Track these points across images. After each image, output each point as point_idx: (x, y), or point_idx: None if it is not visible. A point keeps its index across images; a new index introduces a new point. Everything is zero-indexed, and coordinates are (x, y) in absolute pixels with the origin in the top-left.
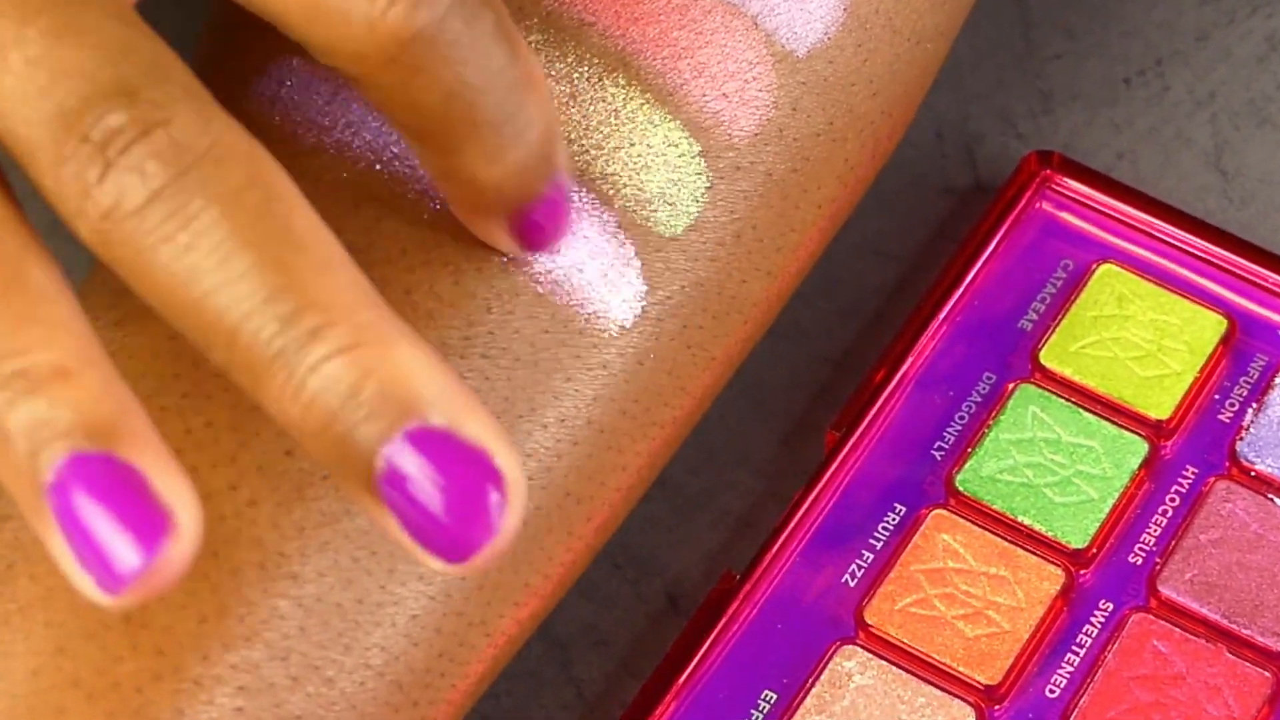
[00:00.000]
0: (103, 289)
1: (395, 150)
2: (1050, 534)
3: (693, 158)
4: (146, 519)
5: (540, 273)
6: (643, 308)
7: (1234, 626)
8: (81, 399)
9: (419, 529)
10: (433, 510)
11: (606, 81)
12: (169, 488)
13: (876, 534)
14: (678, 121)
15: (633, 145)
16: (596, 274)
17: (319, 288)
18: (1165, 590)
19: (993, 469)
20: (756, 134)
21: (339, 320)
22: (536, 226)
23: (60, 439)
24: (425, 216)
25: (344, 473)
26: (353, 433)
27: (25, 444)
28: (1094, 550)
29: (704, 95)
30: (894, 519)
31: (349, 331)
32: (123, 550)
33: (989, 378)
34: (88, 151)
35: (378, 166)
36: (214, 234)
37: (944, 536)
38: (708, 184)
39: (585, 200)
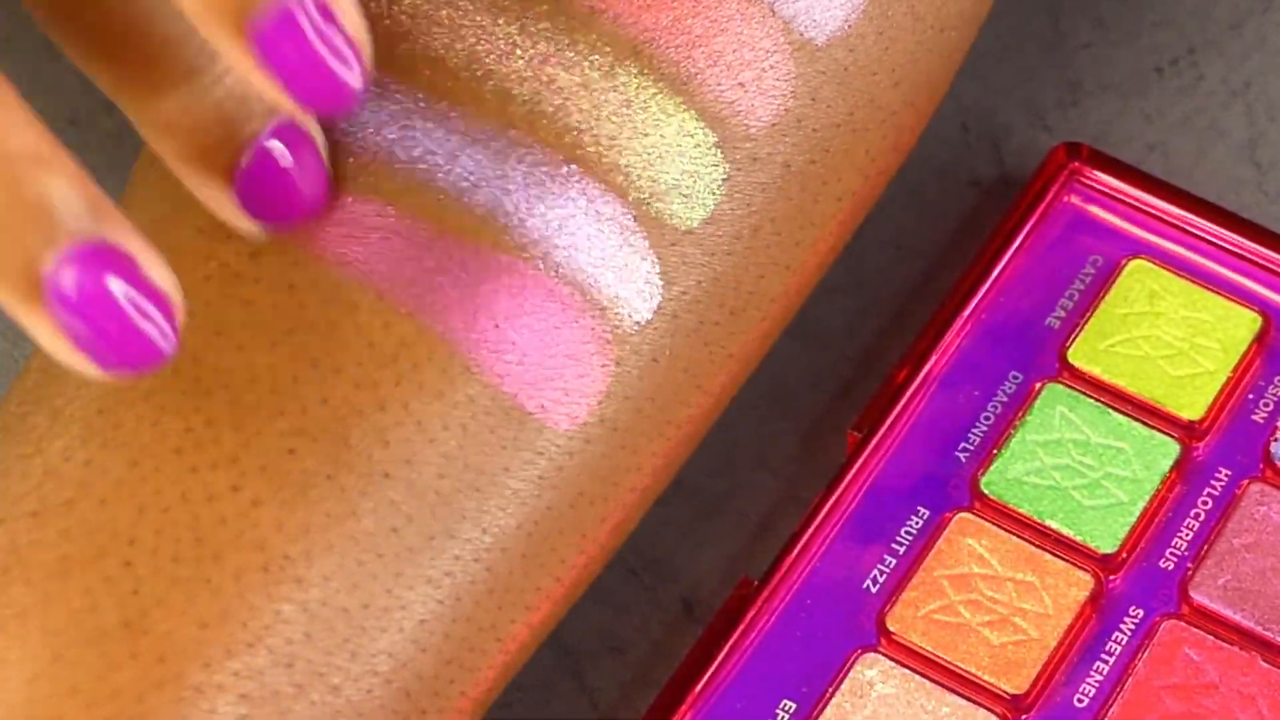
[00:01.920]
0: None
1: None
2: (1079, 538)
3: (708, 149)
4: (152, 300)
5: (552, 266)
6: (658, 303)
7: (1268, 634)
8: (75, 183)
9: (281, 73)
10: (297, 63)
11: (619, 71)
12: (160, 271)
13: (899, 538)
14: (693, 112)
15: (646, 136)
16: (610, 268)
17: None
18: (1197, 596)
19: (1019, 471)
20: (774, 124)
21: None
22: (286, 64)
23: (57, 227)
24: None
25: (214, 11)
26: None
27: (18, 232)
28: (1124, 555)
29: (720, 84)
30: (917, 523)
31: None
32: (135, 334)
33: (1015, 377)
34: None
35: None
36: None
37: (969, 541)
38: (724, 176)
39: (597, 192)
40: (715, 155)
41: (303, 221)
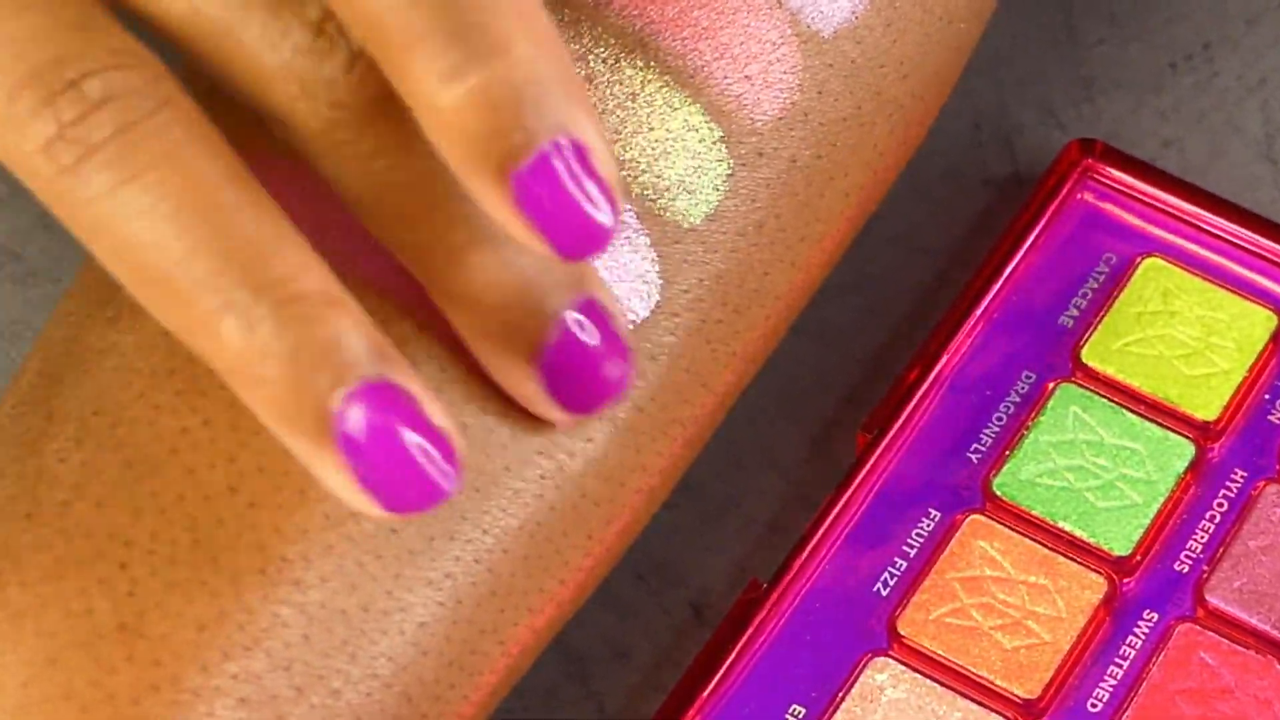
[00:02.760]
0: (96, 285)
1: None
2: (1092, 540)
3: (713, 143)
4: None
5: None
6: (659, 301)
7: None
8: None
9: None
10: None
11: (624, 63)
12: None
13: (910, 541)
14: (698, 105)
15: (651, 130)
16: (607, 267)
17: (271, 247)
18: (1213, 599)
19: (1032, 472)
20: (780, 118)
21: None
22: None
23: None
24: None
25: (293, 421)
26: (302, 385)
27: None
28: (1138, 558)
29: (725, 78)
30: (928, 525)
31: (285, 282)
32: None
33: (1028, 377)
34: (45, 109)
35: None
36: (163, 189)
37: (981, 543)
38: (728, 171)
39: None
40: (720, 150)
41: (608, 406)
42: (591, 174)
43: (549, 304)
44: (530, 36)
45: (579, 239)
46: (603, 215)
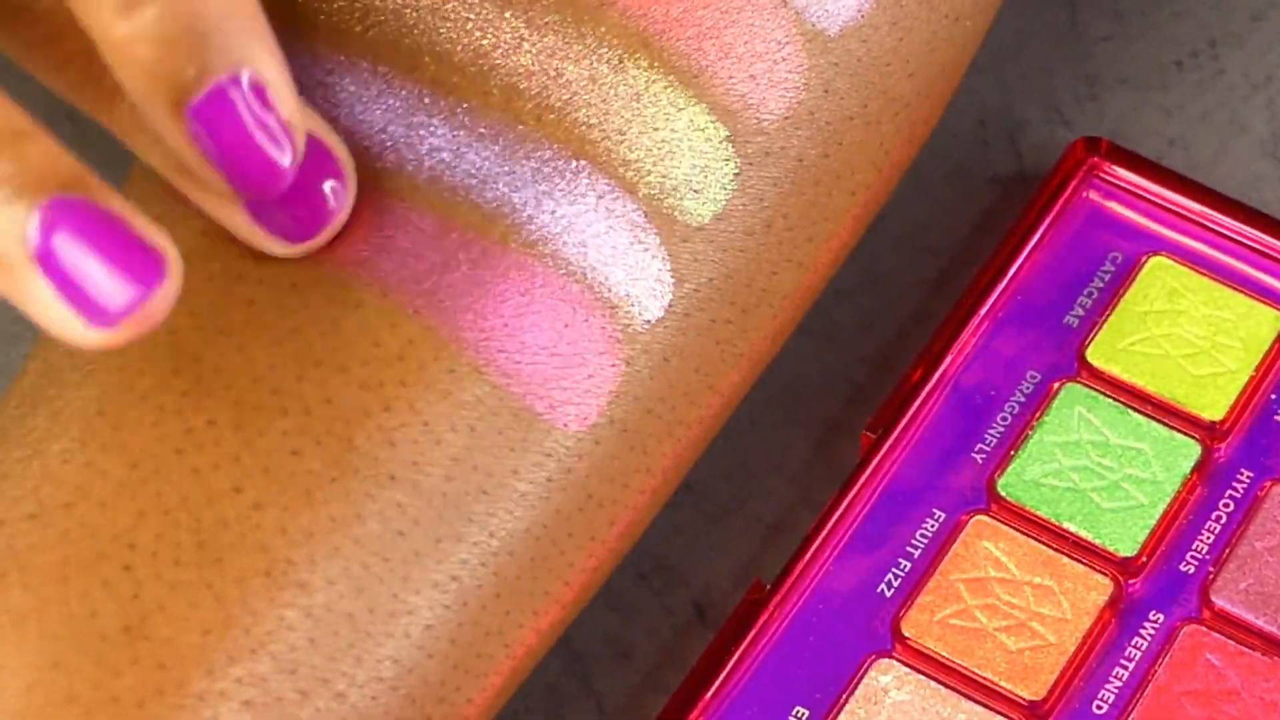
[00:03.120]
0: None
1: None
2: (1097, 541)
3: (720, 143)
4: (138, 256)
5: (561, 264)
6: (669, 302)
7: None
8: (49, 154)
9: (215, 157)
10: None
11: (628, 63)
12: (149, 228)
13: (914, 541)
14: (703, 105)
15: (656, 130)
16: (620, 266)
17: None
18: (1219, 601)
19: (1037, 473)
20: (786, 117)
21: None
22: (219, 143)
23: (39, 188)
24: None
25: (155, 90)
26: (186, 59)
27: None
28: (1144, 559)
29: (731, 77)
30: (932, 526)
31: None
32: (117, 286)
33: (1033, 377)
34: None
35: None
36: None
37: (985, 544)
38: (735, 170)
39: (607, 188)
40: (727, 149)
41: (321, 226)
42: (270, 109)
43: (203, 60)
44: None
45: (257, 176)
46: (281, 154)
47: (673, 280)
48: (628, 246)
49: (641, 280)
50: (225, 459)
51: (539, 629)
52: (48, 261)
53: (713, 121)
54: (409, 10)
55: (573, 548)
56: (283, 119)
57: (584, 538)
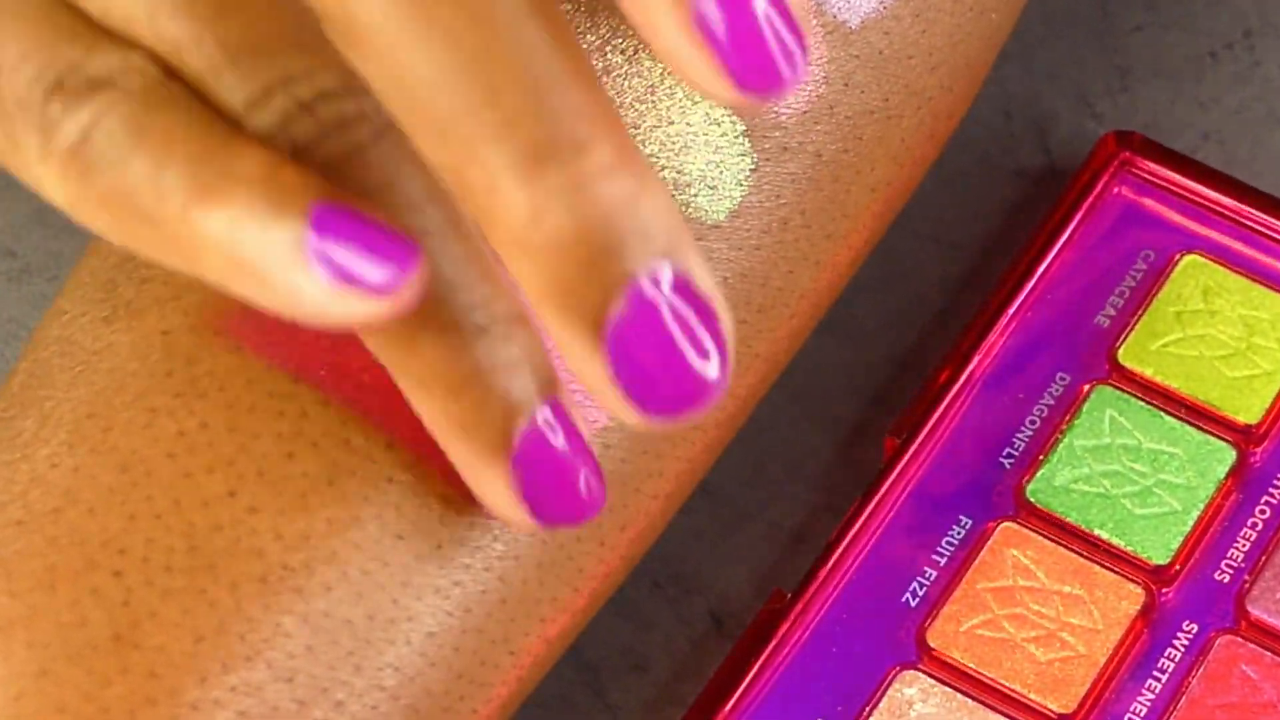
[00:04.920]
0: (91, 282)
1: None
2: (1129, 549)
3: (736, 137)
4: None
5: None
6: None
7: None
8: (299, 171)
9: (632, 382)
10: (651, 365)
11: (642, 55)
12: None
13: (940, 549)
14: None
15: (671, 124)
16: None
17: (573, 99)
18: (1255, 610)
19: (1067, 478)
20: (805, 112)
21: (603, 138)
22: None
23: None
24: None
25: (569, 306)
26: (597, 265)
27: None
28: (1177, 567)
29: None
30: (959, 533)
31: (613, 151)
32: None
33: (1063, 378)
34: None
35: None
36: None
37: (1013, 552)
38: (752, 165)
39: None
40: (743, 144)
41: (577, 520)
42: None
43: (512, 398)
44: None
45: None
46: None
47: None
48: None
49: None
50: (219, 462)
51: (547, 637)
52: (321, 258)
53: (729, 115)
54: None
55: (581, 553)
56: (720, 329)
57: (593, 543)
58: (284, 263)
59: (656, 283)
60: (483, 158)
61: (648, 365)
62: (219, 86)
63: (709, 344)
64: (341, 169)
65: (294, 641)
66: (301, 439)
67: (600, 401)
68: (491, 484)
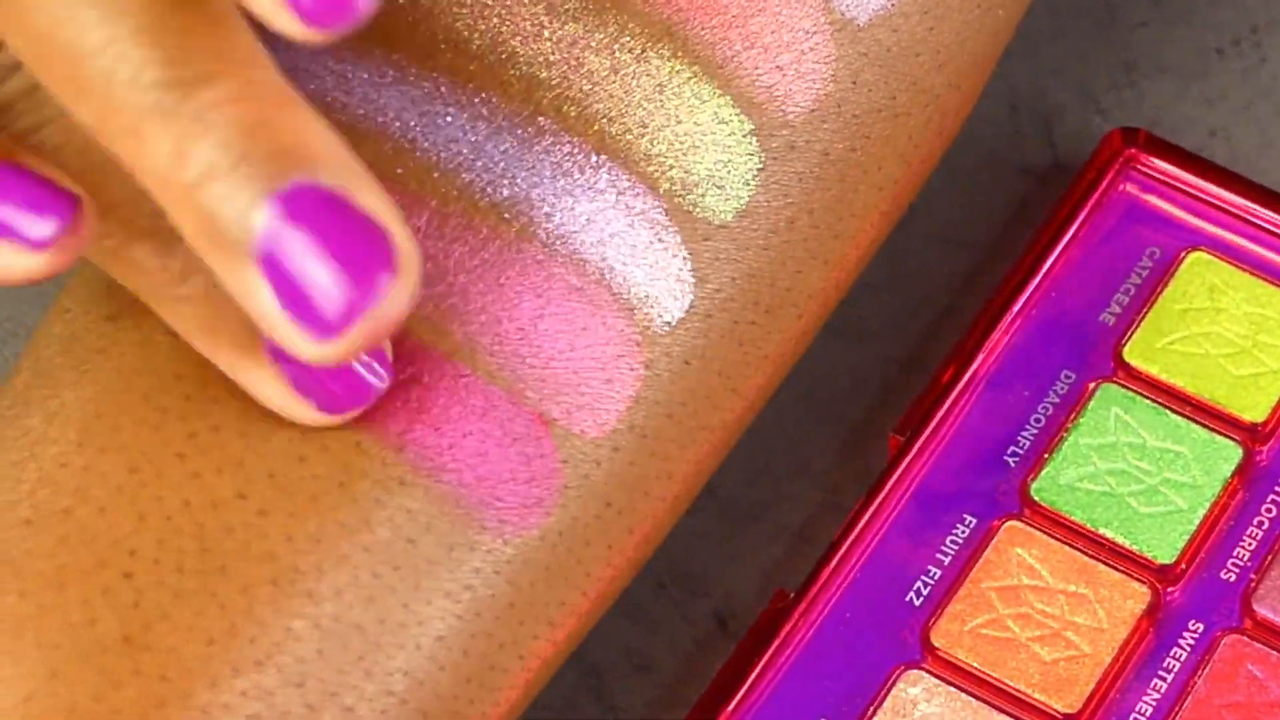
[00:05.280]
0: (95, 281)
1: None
2: (1135, 548)
3: (744, 137)
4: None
5: (579, 264)
6: (690, 303)
7: None
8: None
9: (294, 301)
10: (315, 281)
11: (650, 53)
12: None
13: (944, 548)
14: (728, 97)
15: (679, 123)
16: (640, 266)
17: (209, 39)
18: (1261, 610)
19: (1072, 476)
20: (813, 110)
21: (230, 72)
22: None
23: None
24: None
25: (218, 234)
26: (235, 184)
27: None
28: (1183, 566)
29: (757, 68)
30: (963, 531)
31: (240, 85)
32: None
33: (1068, 376)
34: None
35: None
36: None
37: (1018, 551)
38: (759, 165)
39: (627, 184)
40: (751, 143)
41: (361, 400)
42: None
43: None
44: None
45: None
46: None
47: (694, 280)
48: (648, 245)
49: (661, 280)
50: (229, 464)
51: (555, 640)
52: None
53: (737, 114)
54: None
55: (590, 557)
56: (366, 216)
57: (602, 546)
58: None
59: (304, 193)
60: (117, 107)
61: (310, 283)
62: None
63: (372, 255)
64: (37, 134)
65: (305, 645)
66: (312, 442)
67: (274, 334)
68: (262, 385)
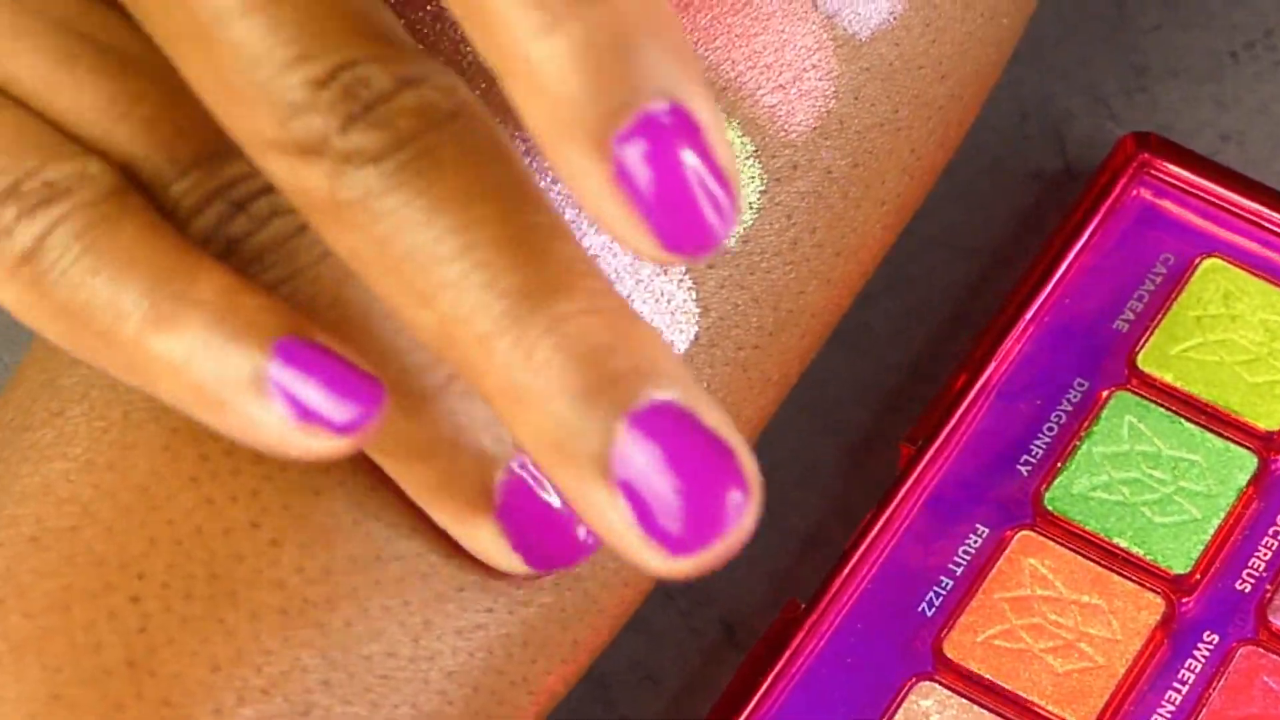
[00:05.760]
0: None
1: None
2: (1149, 558)
3: (746, 158)
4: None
5: None
6: (695, 334)
7: None
8: (269, 303)
9: (647, 520)
10: (671, 501)
11: None
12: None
13: (956, 558)
14: (732, 120)
15: None
16: (644, 301)
17: (554, 251)
18: (1276, 621)
19: (1085, 486)
20: (815, 128)
21: (577, 285)
22: (648, 185)
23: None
24: None
25: (568, 450)
26: (592, 402)
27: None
28: (1197, 576)
29: (759, 88)
30: (975, 541)
31: (588, 296)
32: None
33: (1081, 384)
34: (336, 101)
35: None
36: (457, 184)
37: (1031, 561)
38: (762, 187)
39: None
40: (753, 167)
41: (573, 562)
42: (705, 155)
43: (493, 450)
44: None
45: (689, 234)
46: (718, 215)
47: (698, 311)
48: (653, 277)
49: (666, 314)
50: (243, 492)
51: (566, 676)
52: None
53: (739, 137)
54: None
55: (603, 594)
56: (720, 168)
57: (618, 584)
58: (242, 394)
59: (659, 411)
60: (467, 313)
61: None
62: (165, 195)
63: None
64: (288, 285)
65: (311, 676)
66: (329, 476)
67: (624, 550)
68: (479, 539)
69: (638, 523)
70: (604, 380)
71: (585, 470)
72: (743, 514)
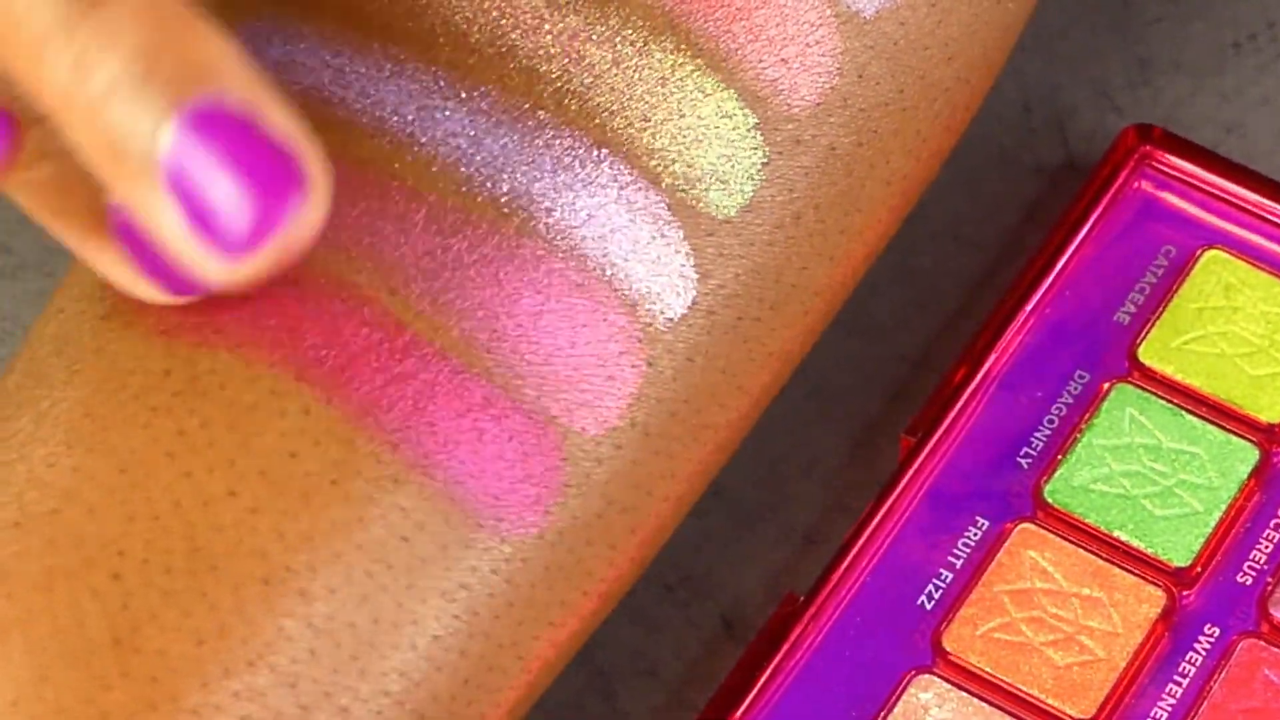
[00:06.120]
0: (89, 280)
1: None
2: (1150, 551)
3: (748, 131)
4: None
5: (580, 259)
6: (693, 299)
7: None
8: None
9: (201, 221)
10: (222, 201)
11: (653, 46)
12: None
13: (956, 551)
14: (731, 91)
15: (682, 117)
16: (642, 261)
17: None
18: (1278, 613)
19: (1086, 478)
20: (819, 104)
21: None
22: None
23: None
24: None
25: (121, 153)
26: (140, 101)
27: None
28: (1198, 569)
29: (761, 61)
30: (975, 534)
31: (144, 1)
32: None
33: (1082, 377)
34: None
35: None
36: None
37: (1031, 553)
38: (764, 160)
39: (629, 178)
40: (755, 138)
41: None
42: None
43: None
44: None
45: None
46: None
47: (697, 276)
48: (650, 240)
49: (664, 276)
50: (220, 461)
51: (556, 641)
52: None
53: (741, 108)
54: None
55: (591, 556)
56: (276, 136)
57: (603, 545)
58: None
59: (213, 110)
60: (20, 17)
61: (217, 203)
62: None
63: (281, 175)
64: None
65: (297, 645)
66: (304, 437)
67: (180, 254)
68: (103, 262)
69: (191, 225)
70: (153, 78)
71: (136, 172)
72: (301, 216)
